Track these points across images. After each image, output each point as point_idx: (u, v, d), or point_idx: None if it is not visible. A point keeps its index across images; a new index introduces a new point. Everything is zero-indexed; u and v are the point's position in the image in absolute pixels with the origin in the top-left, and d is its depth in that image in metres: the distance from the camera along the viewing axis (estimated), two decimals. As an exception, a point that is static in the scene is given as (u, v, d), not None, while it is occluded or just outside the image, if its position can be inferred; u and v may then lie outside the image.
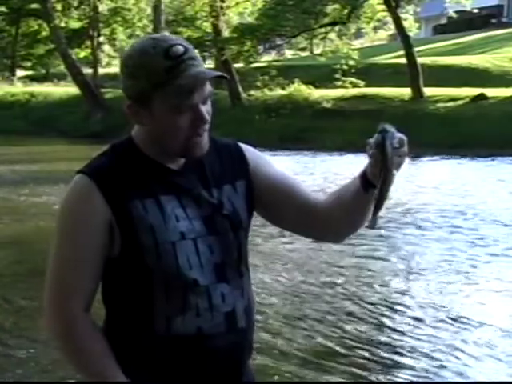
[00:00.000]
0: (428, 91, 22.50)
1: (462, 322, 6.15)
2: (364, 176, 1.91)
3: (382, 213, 1.91)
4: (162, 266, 1.87)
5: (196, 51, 1.89)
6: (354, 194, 1.95)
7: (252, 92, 26.15)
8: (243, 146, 2.11)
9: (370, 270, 7.86)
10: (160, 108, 1.85)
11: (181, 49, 1.83)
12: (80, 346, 1.90)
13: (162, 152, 1.93)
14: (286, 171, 2.13)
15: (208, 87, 1.88)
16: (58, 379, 4.92)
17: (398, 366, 5.31)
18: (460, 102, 21.21)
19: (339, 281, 7.45)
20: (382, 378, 5.15)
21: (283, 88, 25.36)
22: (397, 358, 5.43)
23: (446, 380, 5.09)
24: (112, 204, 1.86)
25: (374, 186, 1.89)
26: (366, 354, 5.49)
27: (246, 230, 2.04)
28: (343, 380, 5.09)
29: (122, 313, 1.94)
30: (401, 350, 5.56)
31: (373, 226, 1.94)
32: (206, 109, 1.88)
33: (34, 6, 35.12)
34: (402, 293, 7.06)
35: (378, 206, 1.88)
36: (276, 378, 5.10)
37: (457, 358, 5.40)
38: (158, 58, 1.82)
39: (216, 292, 1.92)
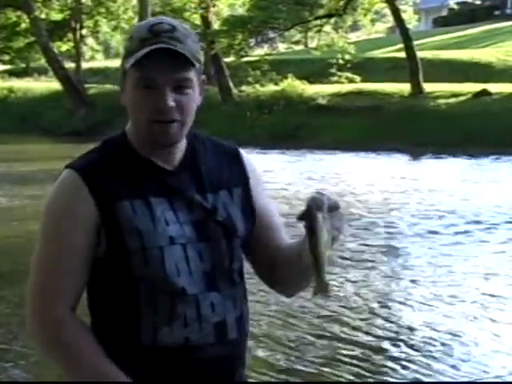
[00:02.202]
0: (428, 87, 22.53)
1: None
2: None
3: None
4: (148, 272, 1.86)
5: (197, 40, 1.90)
6: (298, 255, 1.89)
7: (243, 87, 26.15)
8: (244, 155, 2.09)
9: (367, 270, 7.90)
10: (129, 80, 1.88)
11: (166, 26, 1.86)
12: (71, 347, 1.87)
13: (142, 140, 1.92)
14: (272, 203, 2.10)
15: (184, 73, 1.86)
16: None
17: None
18: (462, 98, 21.24)
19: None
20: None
21: (276, 83, 25.38)
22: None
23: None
24: (99, 203, 1.86)
25: None
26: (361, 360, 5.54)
27: (243, 239, 2.01)
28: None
29: (107, 320, 1.93)
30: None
31: (323, 290, 1.83)
32: (175, 96, 1.86)
33: (12, -4, 35.03)
34: (398, 300, 7.10)
35: (318, 270, 1.81)
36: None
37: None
38: (142, 31, 1.87)
39: (205, 301, 1.91)
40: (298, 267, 1.91)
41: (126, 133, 1.97)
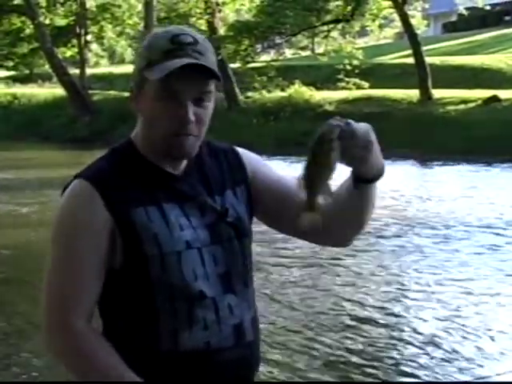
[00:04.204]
0: (437, 93, 22.53)
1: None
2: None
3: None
4: (166, 278, 1.88)
5: (214, 51, 1.93)
6: (347, 190, 1.94)
7: (249, 94, 26.18)
8: (240, 150, 2.13)
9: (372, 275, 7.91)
10: (148, 90, 1.89)
11: (189, 38, 1.88)
12: (92, 358, 1.86)
13: (155, 150, 1.94)
14: (283, 173, 2.14)
15: (206, 87, 1.90)
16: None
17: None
18: (471, 105, 21.23)
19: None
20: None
21: (283, 90, 25.40)
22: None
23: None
24: (114, 211, 1.87)
25: (363, 181, 1.89)
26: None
27: (250, 238, 2.06)
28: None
29: (121, 328, 1.94)
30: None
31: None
32: (195, 109, 1.89)
33: (16, 1, 35.15)
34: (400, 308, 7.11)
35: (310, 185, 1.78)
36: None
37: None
38: (164, 41, 1.88)
39: (223, 303, 1.93)
40: (351, 203, 1.94)
41: (132, 140, 1.99)
